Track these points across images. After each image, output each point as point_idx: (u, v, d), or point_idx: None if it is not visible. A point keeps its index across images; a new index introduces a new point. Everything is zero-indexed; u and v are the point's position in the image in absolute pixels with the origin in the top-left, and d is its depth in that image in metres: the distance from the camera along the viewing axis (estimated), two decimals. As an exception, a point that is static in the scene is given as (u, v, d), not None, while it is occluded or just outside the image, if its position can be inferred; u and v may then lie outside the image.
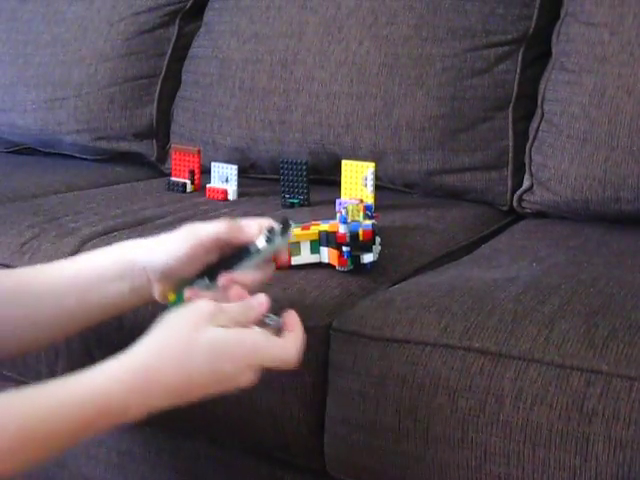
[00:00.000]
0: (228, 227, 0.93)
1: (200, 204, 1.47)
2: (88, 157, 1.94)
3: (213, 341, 0.81)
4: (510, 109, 1.51)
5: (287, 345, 0.85)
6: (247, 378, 0.84)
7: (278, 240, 0.92)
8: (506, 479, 0.88)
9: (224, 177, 1.53)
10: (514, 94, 1.51)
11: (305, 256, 1.11)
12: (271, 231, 0.92)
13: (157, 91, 1.88)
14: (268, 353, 0.84)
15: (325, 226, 1.12)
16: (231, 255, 0.94)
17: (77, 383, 0.77)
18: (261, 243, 0.92)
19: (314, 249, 1.11)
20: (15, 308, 0.93)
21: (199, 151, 1.60)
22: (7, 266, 1.24)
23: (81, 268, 0.96)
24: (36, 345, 1.04)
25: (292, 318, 0.88)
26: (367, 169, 1.38)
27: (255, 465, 1.16)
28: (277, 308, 0.89)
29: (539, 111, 1.48)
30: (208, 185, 1.54)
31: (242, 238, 0.93)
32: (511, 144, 1.50)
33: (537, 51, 1.53)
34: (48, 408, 0.75)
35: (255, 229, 0.93)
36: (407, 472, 0.94)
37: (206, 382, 0.82)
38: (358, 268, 1.09)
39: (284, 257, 0.99)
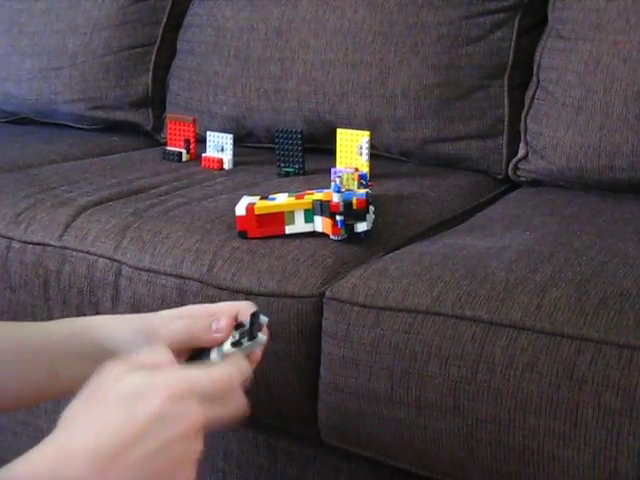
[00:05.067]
0: (189, 330, 0.83)
1: (196, 173, 1.48)
2: (83, 127, 1.94)
3: (125, 386, 0.67)
4: (506, 77, 1.51)
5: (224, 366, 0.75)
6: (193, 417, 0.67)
7: (246, 344, 0.81)
8: (497, 446, 0.89)
9: (219, 146, 1.53)
10: (510, 62, 1.50)
11: (299, 225, 1.11)
12: (241, 332, 0.81)
13: (152, 60, 1.88)
14: (199, 375, 0.71)
15: (319, 195, 1.12)
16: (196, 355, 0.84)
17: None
18: (227, 346, 0.81)
19: (308, 218, 1.11)
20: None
21: (194, 120, 1.60)
22: (3, 236, 1.24)
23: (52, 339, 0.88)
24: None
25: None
26: (362, 137, 1.38)
27: (250, 434, 1.17)
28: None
29: (535, 79, 1.48)
30: (204, 154, 1.54)
31: (206, 341, 0.82)
32: (506, 112, 1.50)
33: (533, 19, 1.53)
34: None
35: (222, 331, 0.82)
36: (399, 439, 0.95)
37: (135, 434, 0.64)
38: (352, 237, 1.09)
39: (256, 357, 0.84)
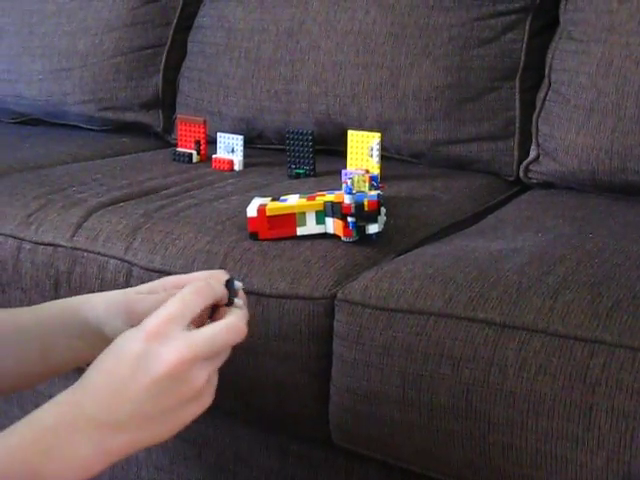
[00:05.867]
0: (163, 303, 0.82)
1: (206, 174, 1.47)
2: (94, 127, 1.94)
3: (135, 351, 0.72)
4: (517, 79, 1.50)
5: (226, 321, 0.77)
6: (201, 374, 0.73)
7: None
8: (509, 449, 0.89)
9: (230, 147, 1.53)
10: (521, 64, 1.50)
11: (310, 227, 1.11)
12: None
13: (163, 61, 1.88)
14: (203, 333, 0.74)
15: (330, 197, 1.12)
16: None
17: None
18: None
19: (319, 220, 1.11)
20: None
21: (205, 121, 1.60)
22: (14, 237, 1.24)
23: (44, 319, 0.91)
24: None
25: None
26: (373, 139, 1.38)
27: (261, 436, 1.17)
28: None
29: (546, 81, 1.47)
30: (214, 155, 1.54)
31: None
32: (518, 114, 1.50)
33: (545, 20, 1.52)
34: None
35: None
36: (411, 441, 0.95)
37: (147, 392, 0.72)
38: (363, 239, 1.09)
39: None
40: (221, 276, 0.83)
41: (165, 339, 0.72)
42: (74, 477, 0.70)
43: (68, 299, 0.93)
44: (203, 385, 0.74)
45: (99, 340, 0.84)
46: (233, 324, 0.77)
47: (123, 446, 0.72)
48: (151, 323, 0.73)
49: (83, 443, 0.70)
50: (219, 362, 0.77)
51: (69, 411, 0.71)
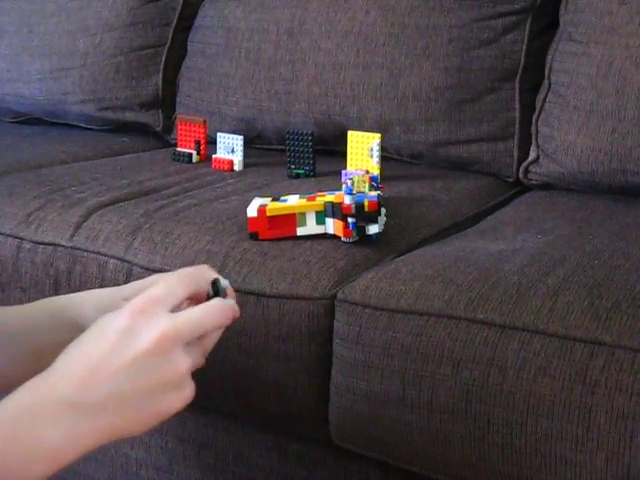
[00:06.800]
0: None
1: (206, 174, 1.48)
2: (94, 127, 1.94)
3: (118, 327, 0.71)
4: (517, 80, 1.50)
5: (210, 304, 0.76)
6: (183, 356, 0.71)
7: None
8: (508, 449, 0.89)
9: (230, 147, 1.53)
10: (521, 65, 1.50)
11: (310, 227, 1.11)
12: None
13: (163, 61, 1.88)
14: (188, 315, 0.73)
15: (331, 197, 1.12)
16: None
17: None
18: None
19: (319, 220, 1.11)
20: None
21: (205, 121, 1.60)
22: (14, 236, 1.24)
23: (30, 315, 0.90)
24: None
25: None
26: (373, 140, 1.38)
27: (261, 436, 1.17)
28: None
29: (546, 82, 1.47)
30: (214, 155, 1.54)
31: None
32: (518, 115, 1.50)
33: (545, 21, 1.52)
34: None
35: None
36: (410, 442, 0.95)
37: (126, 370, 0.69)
38: (363, 239, 1.09)
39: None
40: (205, 270, 0.82)
41: (149, 316, 0.71)
42: (44, 467, 0.66)
43: (53, 298, 0.92)
44: (185, 372, 0.71)
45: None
46: (218, 306, 0.76)
47: (97, 433, 0.68)
48: (136, 301, 0.72)
49: (51, 429, 0.66)
50: (203, 350, 0.75)
51: (38, 393, 0.68)
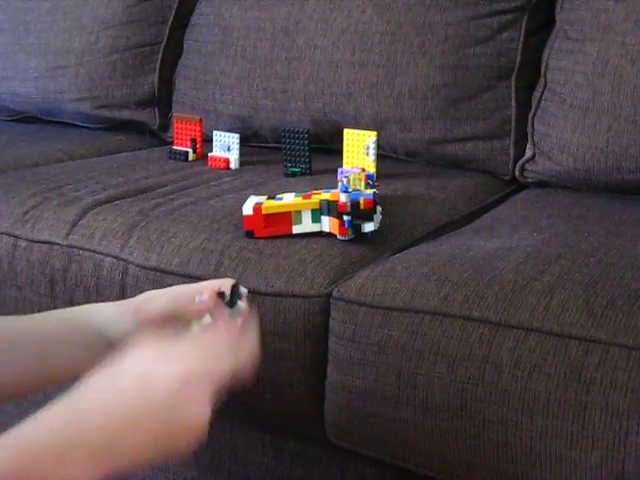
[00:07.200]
0: (174, 304, 0.88)
1: (202, 173, 1.47)
2: (90, 125, 1.94)
3: (143, 362, 0.71)
4: (513, 78, 1.50)
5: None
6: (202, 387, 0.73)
7: (227, 312, 0.84)
8: (504, 447, 0.89)
9: (226, 146, 1.53)
10: (517, 63, 1.50)
11: (306, 225, 1.11)
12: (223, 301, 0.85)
13: (159, 59, 1.88)
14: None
15: (326, 195, 1.12)
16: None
17: None
18: (207, 318, 0.85)
19: (315, 218, 1.11)
20: None
21: (201, 120, 1.60)
22: (10, 235, 1.24)
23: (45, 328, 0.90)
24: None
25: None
26: (369, 138, 1.38)
27: (257, 434, 1.17)
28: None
29: (542, 80, 1.47)
30: (210, 154, 1.54)
31: (189, 312, 0.87)
32: (514, 113, 1.50)
33: (541, 19, 1.52)
34: None
35: (205, 302, 0.85)
36: (406, 439, 0.95)
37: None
38: (359, 237, 1.09)
39: (237, 325, 0.84)
40: (229, 284, 0.85)
41: (194, 390, 0.72)
42: None
43: (64, 310, 0.94)
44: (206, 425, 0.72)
45: (103, 348, 0.84)
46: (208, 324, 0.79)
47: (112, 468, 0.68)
48: (184, 367, 0.72)
49: (76, 471, 0.65)
50: (217, 380, 0.75)
51: (67, 437, 0.66)
